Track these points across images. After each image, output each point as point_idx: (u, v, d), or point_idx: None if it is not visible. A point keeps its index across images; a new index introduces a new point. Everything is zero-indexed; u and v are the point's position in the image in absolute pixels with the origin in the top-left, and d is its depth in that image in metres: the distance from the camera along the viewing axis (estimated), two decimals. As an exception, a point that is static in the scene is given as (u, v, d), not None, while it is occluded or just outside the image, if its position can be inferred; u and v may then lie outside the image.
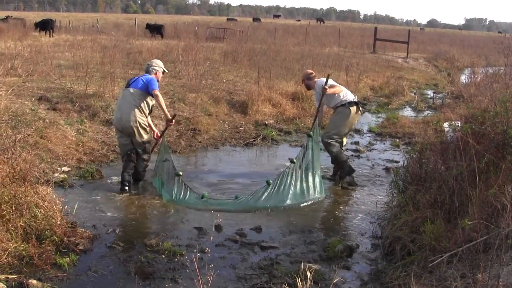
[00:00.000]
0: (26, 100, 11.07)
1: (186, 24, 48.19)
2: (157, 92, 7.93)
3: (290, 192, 7.96)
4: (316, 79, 9.47)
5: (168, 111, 8.58)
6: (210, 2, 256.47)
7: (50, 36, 29.02)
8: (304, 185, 8.14)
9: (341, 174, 9.20)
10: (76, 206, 6.97)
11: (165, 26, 35.65)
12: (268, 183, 8.00)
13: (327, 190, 8.62)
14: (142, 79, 8.14)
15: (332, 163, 9.48)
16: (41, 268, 5.26)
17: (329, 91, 8.88)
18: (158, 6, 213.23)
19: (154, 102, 8.27)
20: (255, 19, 78.82)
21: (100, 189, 8.17)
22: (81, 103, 11.54)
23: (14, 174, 6.09)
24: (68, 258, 5.53)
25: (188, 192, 7.93)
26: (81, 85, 12.85)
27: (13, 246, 5.35)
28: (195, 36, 29.46)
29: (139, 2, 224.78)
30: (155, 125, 9.14)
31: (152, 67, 8.43)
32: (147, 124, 8.26)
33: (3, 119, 9.05)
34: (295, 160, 8.31)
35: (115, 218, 7.05)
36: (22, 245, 5.45)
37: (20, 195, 5.86)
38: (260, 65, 17.24)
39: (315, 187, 8.23)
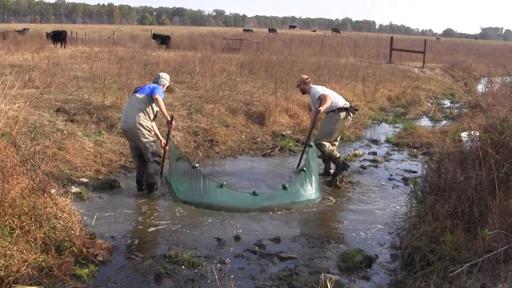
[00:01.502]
0: (44, 112, 11.17)
1: (202, 35, 48.51)
2: (157, 96, 8.32)
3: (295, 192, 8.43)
4: (311, 85, 9.97)
5: (169, 114, 8.83)
6: (226, 13, 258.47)
7: (63, 47, 29.30)
8: (304, 185, 8.56)
9: (336, 171, 9.65)
10: (95, 217, 6.98)
11: (182, 38, 35.87)
12: (284, 188, 8.38)
13: (345, 201, 8.67)
14: (149, 87, 8.60)
15: (323, 161, 10.02)
16: (61, 279, 5.27)
17: (323, 109, 9.35)
18: (174, 17, 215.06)
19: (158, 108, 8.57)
20: (271, 30, 79.28)
21: (118, 200, 8.21)
22: (99, 115, 11.62)
23: (34, 185, 6.14)
24: (87, 269, 5.55)
25: (207, 181, 8.16)
26: (99, 96, 12.94)
27: (33, 257, 5.38)
28: (212, 47, 29.59)
29: (155, 13, 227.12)
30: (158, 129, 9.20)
31: (162, 79, 8.91)
32: (150, 127, 8.45)
33: (22, 131, 9.11)
34: (304, 169, 8.77)
35: (134, 229, 7.08)
36: (41, 256, 5.48)
37: (40, 206, 5.90)
38: (277, 76, 17.24)
39: (313, 187, 8.61)
